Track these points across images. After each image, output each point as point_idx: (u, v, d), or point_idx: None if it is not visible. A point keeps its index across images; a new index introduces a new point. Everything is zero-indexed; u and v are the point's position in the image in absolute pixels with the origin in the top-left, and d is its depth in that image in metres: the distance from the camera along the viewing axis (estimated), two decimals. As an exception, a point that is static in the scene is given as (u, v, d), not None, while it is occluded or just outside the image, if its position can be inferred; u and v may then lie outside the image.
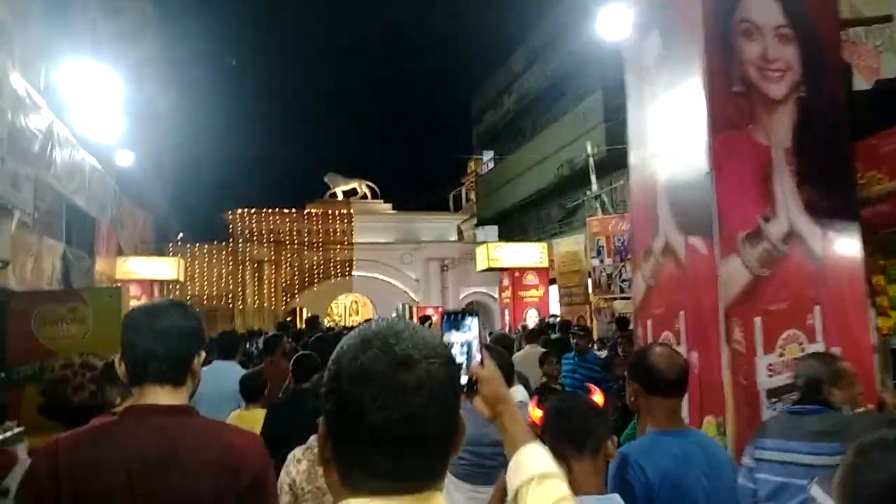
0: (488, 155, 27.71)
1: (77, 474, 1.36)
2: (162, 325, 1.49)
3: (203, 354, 1.59)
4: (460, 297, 22.46)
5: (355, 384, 0.79)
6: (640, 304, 3.59)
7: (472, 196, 30.98)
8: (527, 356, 5.91)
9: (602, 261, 12.60)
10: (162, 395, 1.47)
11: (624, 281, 12.43)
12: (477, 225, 25.54)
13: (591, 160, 13.27)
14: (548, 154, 18.82)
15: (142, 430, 1.43)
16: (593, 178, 13.27)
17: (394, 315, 21.35)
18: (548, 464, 1.08)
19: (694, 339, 3.07)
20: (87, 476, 1.36)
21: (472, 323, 1.13)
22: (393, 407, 0.77)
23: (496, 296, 21.85)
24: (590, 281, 12.90)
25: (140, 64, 15.03)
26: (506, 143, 22.93)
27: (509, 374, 2.65)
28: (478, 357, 1.11)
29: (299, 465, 2.48)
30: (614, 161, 14.81)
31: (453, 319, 1.13)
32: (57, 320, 5.75)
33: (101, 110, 12.20)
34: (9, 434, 3.19)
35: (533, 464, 1.07)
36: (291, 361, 3.96)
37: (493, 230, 24.26)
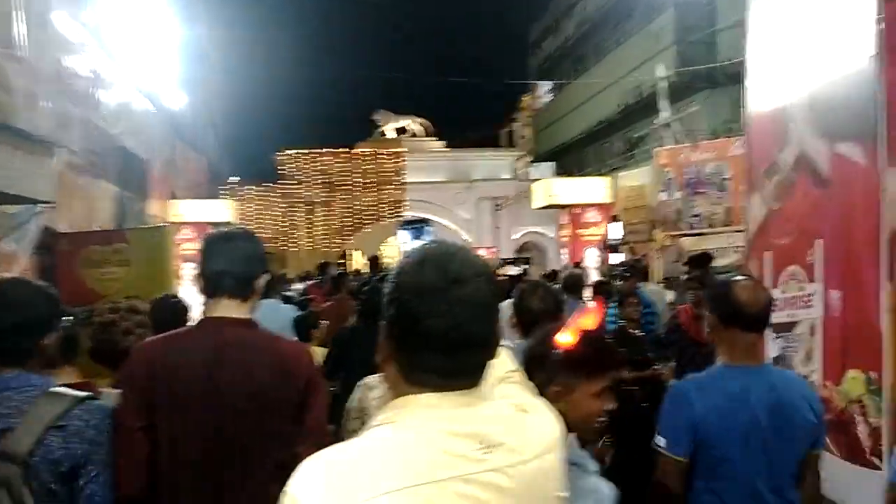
0: (545, 87, 26.34)
1: (167, 370, 1.66)
2: (234, 248, 1.76)
3: (265, 276, 1.83)
4: (513, 237, 21.86)
5: (415, 296, 0.93)
6: (755, 232, 2.95)
7: (526, 133, 29.84)
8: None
9: (670, 195, 11.73)
10: (231, 308, 1.74)
11: (694, 216, 11.59)
12: (533, 161, 24.57)
13: (661, 84, 12.16)
14: (611, 82, 17.55)
15: (215, 335, 1.71)
16: (665, 103, 12.19)
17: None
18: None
19: (836, 275, 2.44)
20: (175, 371, 1.66)
21: (429, 231, 1.94)
22: (448, 316, 0.92)
23: (552, 235, 21.17)
24: (658, 218, 12.07)
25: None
26: (565, 73, 21.60)
27: (555, 312, 2.40)
28: None
29: (371, 392, 2.54)
30: (686, 86, 13.64)
31: (413, 229, 1.93)
32: (102, 262, 5.54)
33: (150, 48, 11.88)
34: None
35: None
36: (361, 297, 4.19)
37: (548, 167, 23.29)
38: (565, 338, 1.40)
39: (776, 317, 2.69)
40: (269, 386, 1.67)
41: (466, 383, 0.93)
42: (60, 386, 2.04)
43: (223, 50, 18.82)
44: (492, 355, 0.96)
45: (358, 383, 2.69)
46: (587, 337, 1.41)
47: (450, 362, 0.91)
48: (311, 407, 1.72)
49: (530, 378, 1.18)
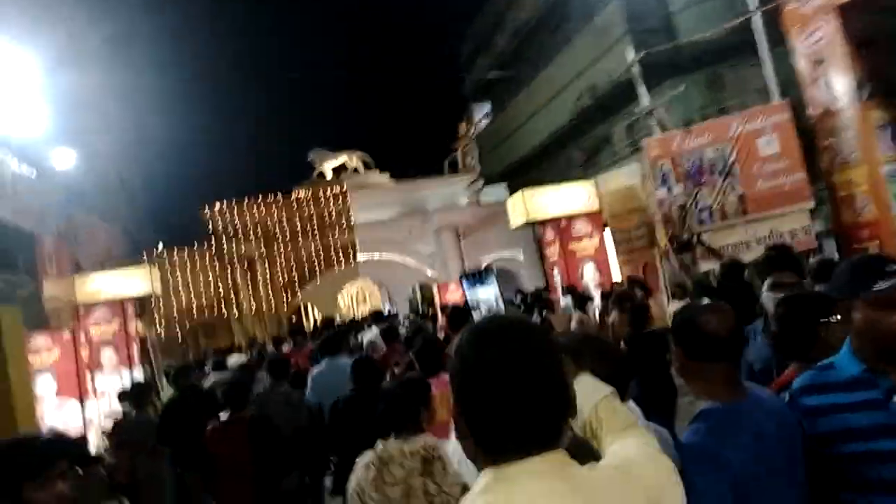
0: (482, 109, 24.88)
1: None
2: None
3: None
4: (481, 267, 20.02)
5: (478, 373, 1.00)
6: None
7: (469, 159, 28.35)
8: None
9: (670, 189, 10.07)
10: None
11: (702, 210, 9.97)
12: (484, 184, 22.91)
13: (635, 69, 10.66)
14: (560, 88, 16.10)
15: None
16: (642, 90, 10.68)
17: (408, 302, 18.81)
18: (601, 388, 1.28)
19: None
20: None
21: (492, 278, 1.43)
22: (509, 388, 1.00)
23: (521, 259, 19.41)
24: (658, 218, 10.40)
25: (67, 41, 12.28)
26: (507, 88, 20.15)
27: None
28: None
29: (367, 471, 2.43)
30: (655, 70, 12.20)
31: (475, 279, 1.43)
32: None
33: (19, 100, 9.53)
34: None
35: (592, 394, 1.26)
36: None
37: (500, 189, 21.68)
38: None
39: None
40: None
41: (549, 447, 0.96)
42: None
43: (125, 99, 16.42)
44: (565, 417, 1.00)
45: (357, 460, 2.51)
46: None
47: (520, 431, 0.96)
48: None
49: None
